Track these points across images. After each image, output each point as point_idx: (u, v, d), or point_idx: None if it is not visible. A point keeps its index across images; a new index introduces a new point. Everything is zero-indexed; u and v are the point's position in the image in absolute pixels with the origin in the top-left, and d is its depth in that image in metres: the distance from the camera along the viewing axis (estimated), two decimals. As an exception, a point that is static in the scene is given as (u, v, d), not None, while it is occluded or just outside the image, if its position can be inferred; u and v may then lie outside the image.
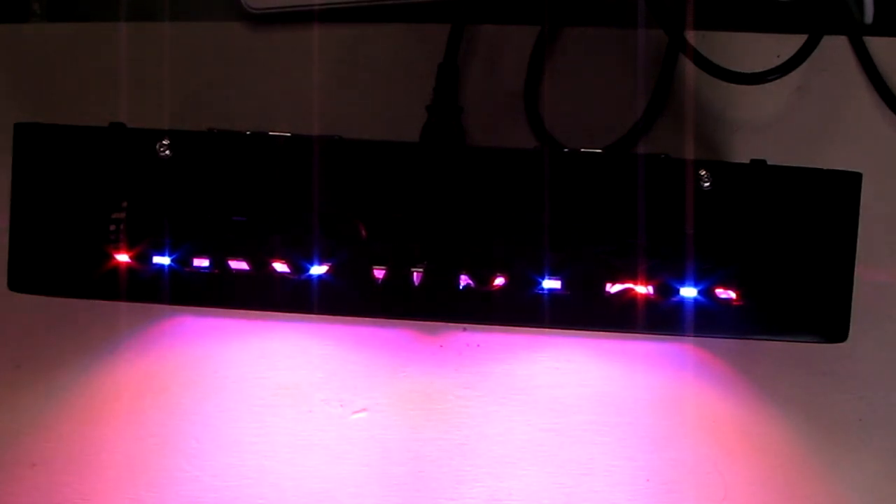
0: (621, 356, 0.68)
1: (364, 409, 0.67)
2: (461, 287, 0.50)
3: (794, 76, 0.64)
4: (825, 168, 0.52)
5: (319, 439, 0.67)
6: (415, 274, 0.50)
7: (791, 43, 0.64)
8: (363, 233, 0.50)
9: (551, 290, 0.50)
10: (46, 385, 0.67)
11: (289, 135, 0.50)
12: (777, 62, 0.64)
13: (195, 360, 0.67)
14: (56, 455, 0.67)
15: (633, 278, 0.50)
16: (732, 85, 0.64)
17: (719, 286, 0.50)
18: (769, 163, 0.52)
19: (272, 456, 0.67)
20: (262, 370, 0.67)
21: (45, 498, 0.66)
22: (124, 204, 0.50)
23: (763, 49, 0.68)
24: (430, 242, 0.50)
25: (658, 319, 0.50)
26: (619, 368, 0.67)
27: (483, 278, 0.50)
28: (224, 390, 0.67)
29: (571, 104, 0.69)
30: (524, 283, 0.50)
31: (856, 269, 0.53)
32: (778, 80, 0.63)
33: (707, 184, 0.50)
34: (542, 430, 0.67)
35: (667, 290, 0.50)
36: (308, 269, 0.49)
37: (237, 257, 0.50)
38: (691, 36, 0.68)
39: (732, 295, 0.51)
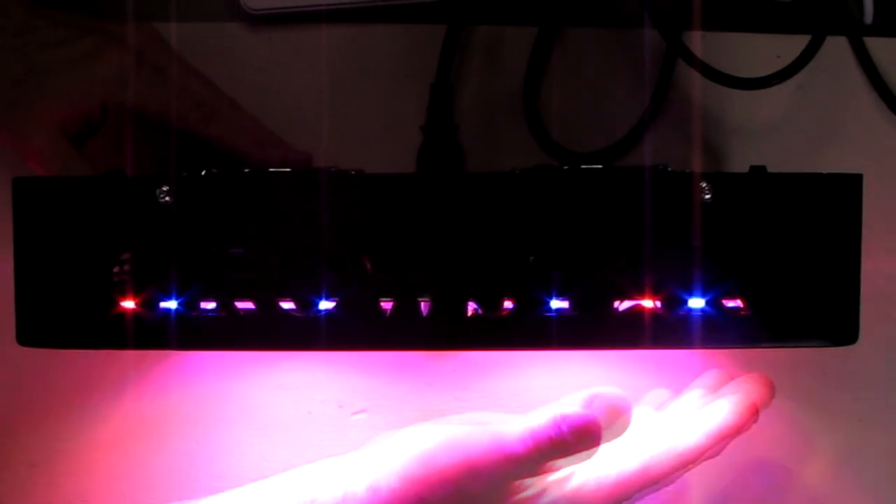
0: (621, 357, 0.66)
1: (364, 410, 0.66)
2: (469, 314, 0.50)
3: (793, 77, 0.63)
4: (825, 169, 0.51)
5: (319, 440, 0.66)
6: (422, 304, 0.49)
7: (791, 43, 0.63)
8: (368, 266, 0.49)
9: (559, 312, 0.49)
10: (46, 385, 0.66)
11: (288, 170, 0.50)
12: (777, 62, 0.62)
13: (195, 360, 0.66)
14: (56, 455, 0.66)
15: (640, 294, 0.49)
16: (732, 85, 0.63)
17: (726, 297, 0.50)
18: (769, 165, 0.51)
19: (272, 456, 0.66)
20: (261, 371, 0.66)
21: (45, 498, 0.65)
22: (127, 256, 0.49)
23: (763, 49, 0.67)
24: (435, 271, 0.49)
25: (667, 334, 0.49)
26: (619, 369, 0.66)
27: (490, 304, 0.49)
28: (224, 391, 0.66)
29: (571, 105, 0.67)
30: (532, 306, 0.49)
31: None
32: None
33: (708, 196, 0.49)
34: (542, 431, 0.66)
35: (674, 304, 0.49)
36: (315, 306, 0.49)
37: (244, 298, 0.49)
38: (691, 36, 0.67)
39: (740, 304, 0.50)
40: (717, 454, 0.57)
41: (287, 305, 0.49)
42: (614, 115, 0.67)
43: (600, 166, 0.51)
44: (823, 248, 0.50)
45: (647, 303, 0.49)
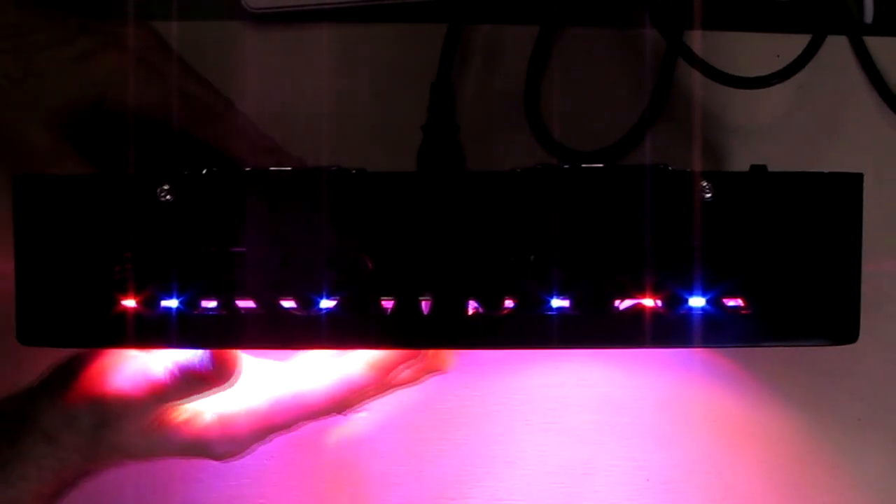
0: (621, 355, 0.66)
1: (364, 410, 0.66)
2: (470, 313, 0.49)
3: (794, 76, 0.63)
4: (826, 168, 0.50)
5: (319, 439, 0.66)
6: (423, 303, 0.49)
7: (791, 42, 0.63)
8: (369, 265, 0.49)
9: (560, 311, 0.49)
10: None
11: (289, 169, 0.50)
12: (776, 62, 0.62)
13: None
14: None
15: (641, 293, 0.49)
16: (732, 85, 0.63)
17: (727, 296, 0.49)
18: (769, 165, 0.51)
19: (272, 456, 0.66)
20: (262, 369, 0.66)
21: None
22: (128, 254, 0.49)
23: (763, 49, 0.66)
24: (435, 270, 0.49)
25: (668, 333, 0.49)
26: (619, 368, 0.66)
27: (491, 303, 0.49)
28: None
29: (572, 104, 0.67)
30: (533, 305, 0.49)
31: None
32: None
33: (708, 195, 0.49)
34: (542, 430, 0.66)
35: (675, 303, 0.49)
36: (316, 305, 0.49)
37: (245, 297, 0.49)
38: (692, 36, 0.67)
39: (740, 303, 0.50)
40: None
41: (288, 304, 0.49)
42: (615, 114, 0.67)
43: (601, 165, 0.51)
44: (824, 247, 0.50)
45: (648, 302, 0.49)
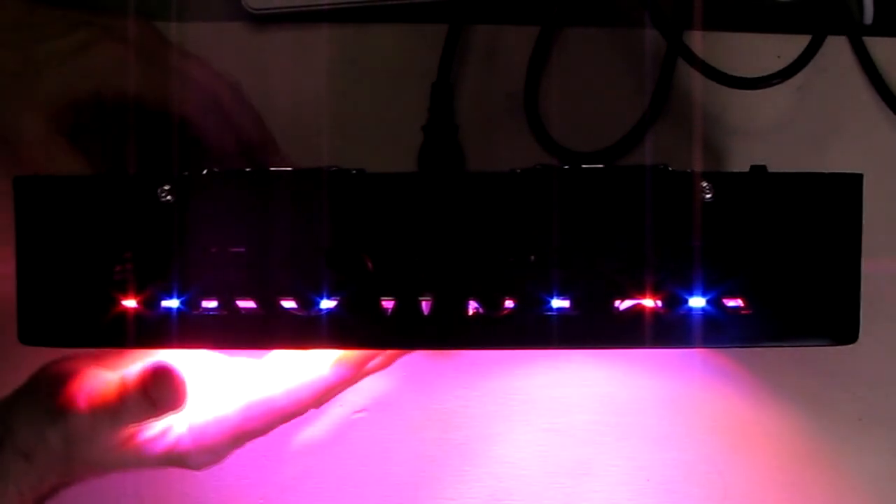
0: (621, 355, 0.66)
1: (364, 409, 0.66)
2: (470, 313, 0.49)
3: (794, 76, 0.63)
4: (826, 168, 0.50)
5: (320, 439, 0.66)
6: (423, 303, 0.49)
7: (791, 43, 0.63)
8: (369, 265, 0.49)
9: (560, 311, 0.49)
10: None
11: (289, 169, 0.50)
12: (777, 62, 0.62)
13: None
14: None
15: (641, 293, 0.49)
16: (733, 86, 0.63)
17: (727, 296, 0.49)
18: (770, 165, 0.51)
19: (273, 456, 0.66)
20: (262, 369, 0.66)
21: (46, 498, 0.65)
22: (129, 254, 0.49)
23: (763, 49, 0.67)
24: (436, 270, 0.49)
25: (668, 333, 0.49)
26: (619, 368, 0.66)
27: (491, 303, 0.49)
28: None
29: (572, 104, 0.67)
30: (533, 305, 0.49)
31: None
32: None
33: (709, 195, 0.49)
34: (543, 430, 0.66)
35: (675, 304, 0.49)
36: (316, 306, 0.49)
37: (245, 297, 0.49)
38: (692, 36, 0.67)
39: (740, 304, 0.50)
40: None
41: (288, 304, 0.49)
42: (615, 114, 0.67)
43: (601, 166, 0.51)
44: (824, 247, 0.50)
45: (648, 302, 0.49)
